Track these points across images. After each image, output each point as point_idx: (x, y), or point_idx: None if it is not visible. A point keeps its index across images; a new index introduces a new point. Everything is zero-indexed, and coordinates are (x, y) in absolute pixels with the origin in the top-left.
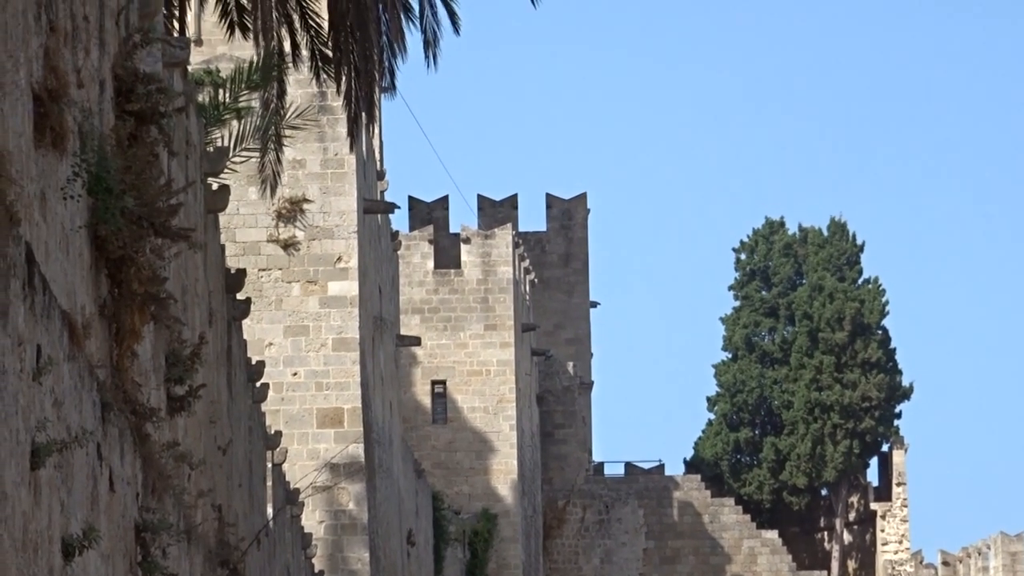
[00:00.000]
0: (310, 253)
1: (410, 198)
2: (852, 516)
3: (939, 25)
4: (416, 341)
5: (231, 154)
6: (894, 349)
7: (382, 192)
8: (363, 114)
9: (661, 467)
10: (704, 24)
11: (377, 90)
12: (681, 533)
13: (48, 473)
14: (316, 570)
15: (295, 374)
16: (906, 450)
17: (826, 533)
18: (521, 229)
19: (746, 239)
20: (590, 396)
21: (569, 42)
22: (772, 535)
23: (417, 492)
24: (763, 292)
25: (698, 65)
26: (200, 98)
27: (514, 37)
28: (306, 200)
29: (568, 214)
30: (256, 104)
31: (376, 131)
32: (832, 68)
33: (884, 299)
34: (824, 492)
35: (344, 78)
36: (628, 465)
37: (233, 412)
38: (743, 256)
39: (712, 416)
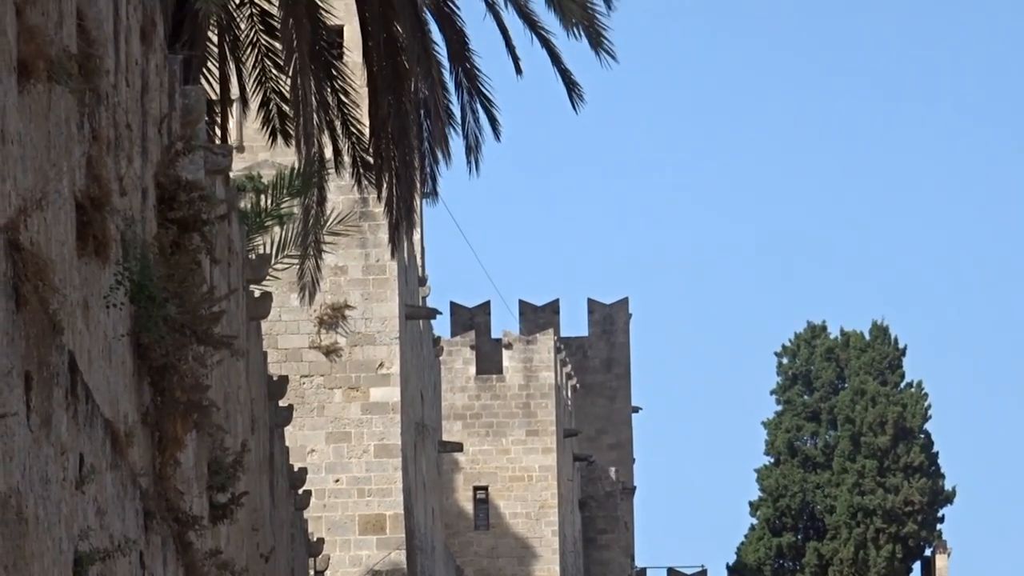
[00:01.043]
0: (352, 359)
1: (452, 304)
2: None
3: (976, 134)
4: (458, 447)
5: (273, 261)
6: (937, 453)
7: (424, 298)
8: (404, 220)
9: (704, 572)
10: (742, 131)
11: (418, 196)
12: None
13: None
14: None
15: (337, 481)
16: (949, 555)
17: None
18: (563, 334)
19: (788, 343)
20: (632, 501)
21: (610, 147)
22: None
23: None
24: (805, 396)
25: (737, 171)
26: (242, 205)
27: (555, 141)
28: (348, 306)
29: (610, 319)
30: (298, 210)
31: (418, 236)
32: (872, 174)
33: (927, 403)
34: None
35: (385, 184)
36: (671, 570)
37: (275, 519)
38: (785, 360)
39: (755, 521)
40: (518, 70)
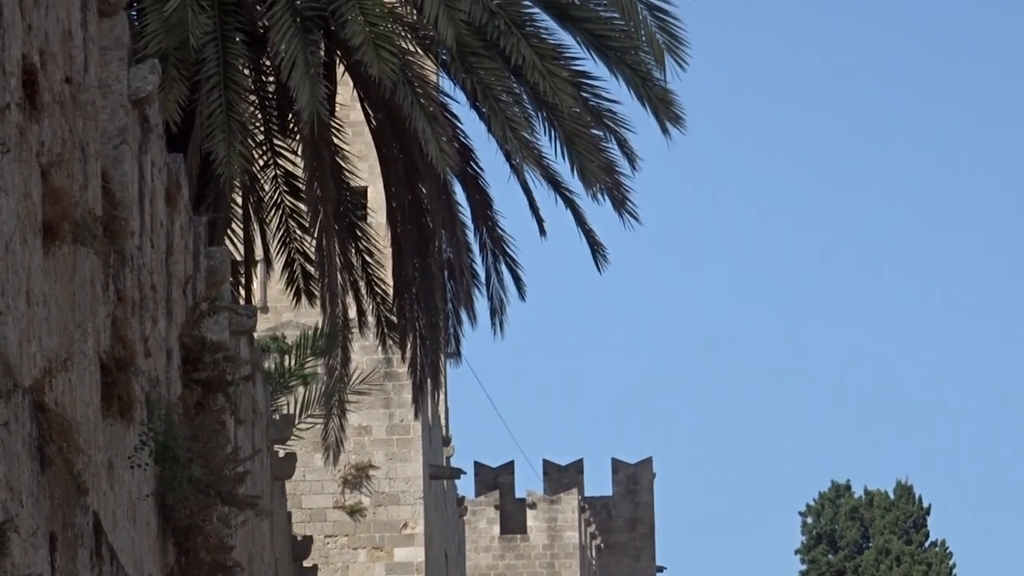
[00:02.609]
0: (376, 519)
1: (476, 463)
2: None
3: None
4: None
5: (297, 422)
6: None
7: (448, 458)
8: (428, 380)
9: None
10: (763, 292)
11: (442, 356)
12: None
13: None
14: None
15: None
16: None
17: None
18: (587, 494)
19: (812, 502)
20: None
21: (634, 304)
22: None
23: None
24: (829, 556)
25: (758, 329)
26: (266, 365)
27: (579, 298)
28: (372, 466)
29: (634, 478)
30: (322, 371)
31: (441, 397)
32: (892, 335)
33: (951, 562)
34: None
35: (409, 345)
36: None
37: None
38: (809, 520)
39: None
40: (542, 232)
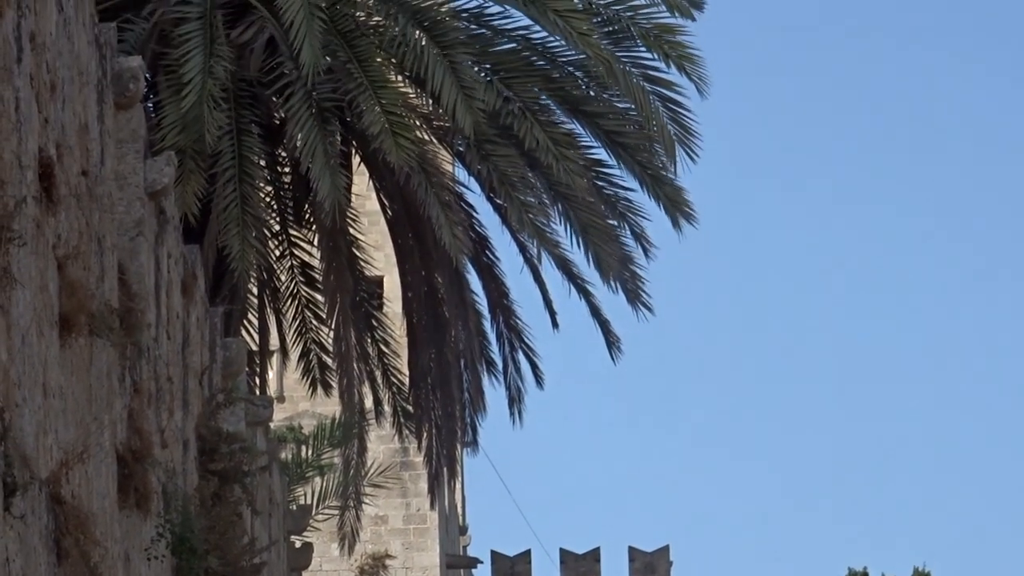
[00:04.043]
0: None
1: (493, 552)
2: None
3: None
4: None
5: (314, 512)
6: None
7: (465, 547)
8: (445, 470)
9: None
10: (778, 388)
11: (459, 446)
12: None
13: None
14: None
15: None
16: None
17: None
18: None
19: None
20: None
21: (649, 392)
22: None
23: None
24: None
25: (773, 420)
26: (283, 456)
27: (596, 386)
28: (389, 556)
29: (651, 567)
30: (338, 461)
31: (458, 486)
32: (909, 422)
33: None
34: None
35: (425, 435)
36: None
37: None
38: None
39: None
40: (555, 324)
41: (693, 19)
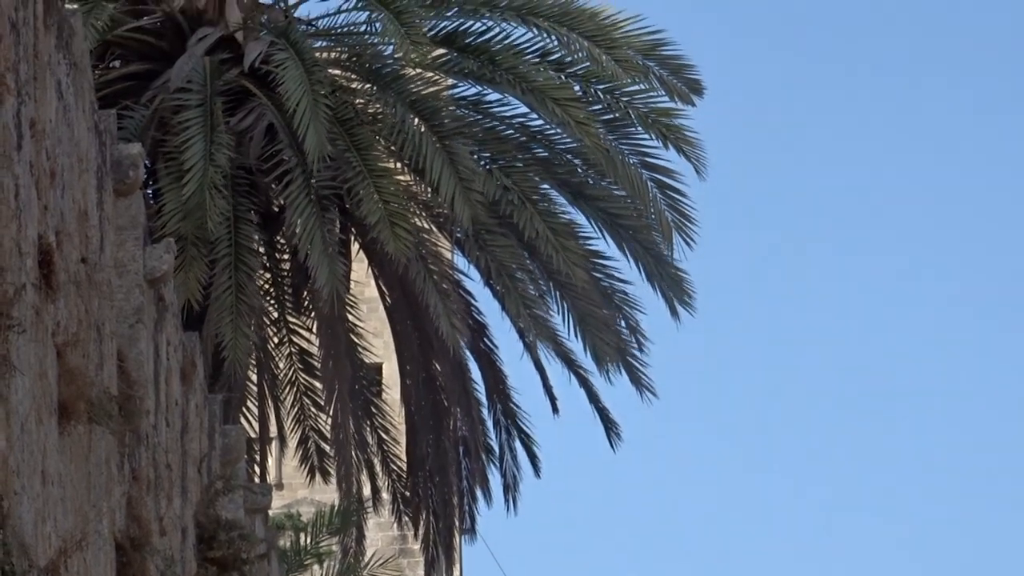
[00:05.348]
0: None
1: None
2: None
3: None
4: None
5: None
6: None
7: None
8: (442, 557)
9: None
10: (770, 456)
11: (457, 533)
12: None
13: None
14: None
15: None
16: None
17: None
18: None
19: None
20: None
21: (649, 479)
22: None
23: None
24: None
25: (776, 499)
26: (281, 543)
27: (594, 473)
28: None
29: None
30: (336, 548)
31: (456, 573)
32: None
33: None
34: None
35: (423, 522)
36: None
37: None
38: None
39: None
40: (555, 410)
41: (693, 104)
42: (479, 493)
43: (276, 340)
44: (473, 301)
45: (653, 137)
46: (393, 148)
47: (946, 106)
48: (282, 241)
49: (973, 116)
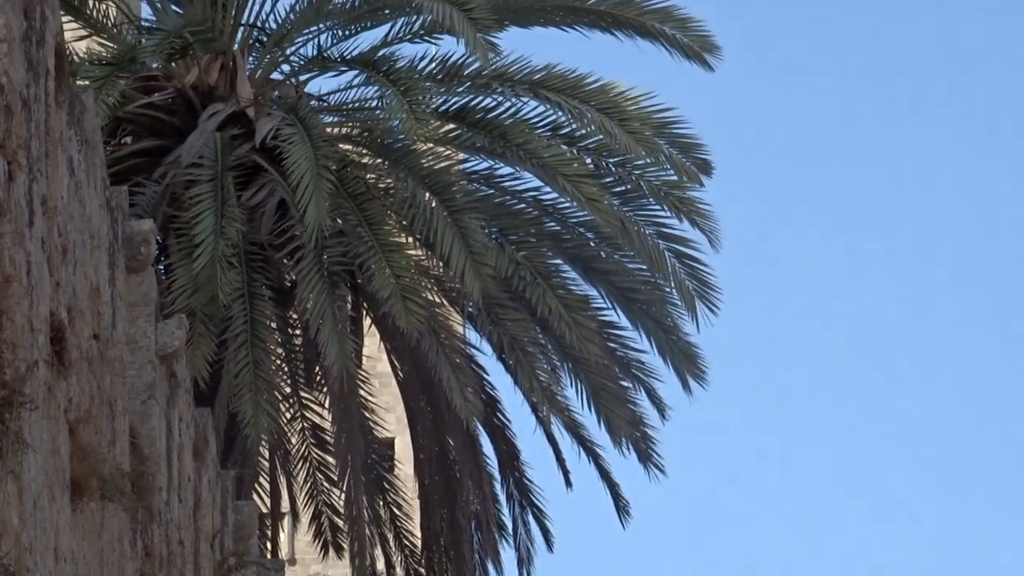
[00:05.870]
0: None
1: None
2: None
3: None
4: None
5: None
6: None
7: None
8: None
9: None
10: (780, 533)
11: None
12: None
13: None
14: None
15: None
16: None
17: None
18: None
19: None
20: None
21: (659, 554)
22: None
23: None
24: None
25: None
26: None
27: (606, 547)
28: None
29: None
30: None
31: None
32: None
33: None
34: None
35: None
36: None
37: None
38: None
39: None
40: (568, 483)
41: (702, 184)
42: (492, 568)
43: (289, 415)
44: (485, 375)
45: (666, 209)
46: (404, 223)
47: (949, 181)
48: (294, 316)
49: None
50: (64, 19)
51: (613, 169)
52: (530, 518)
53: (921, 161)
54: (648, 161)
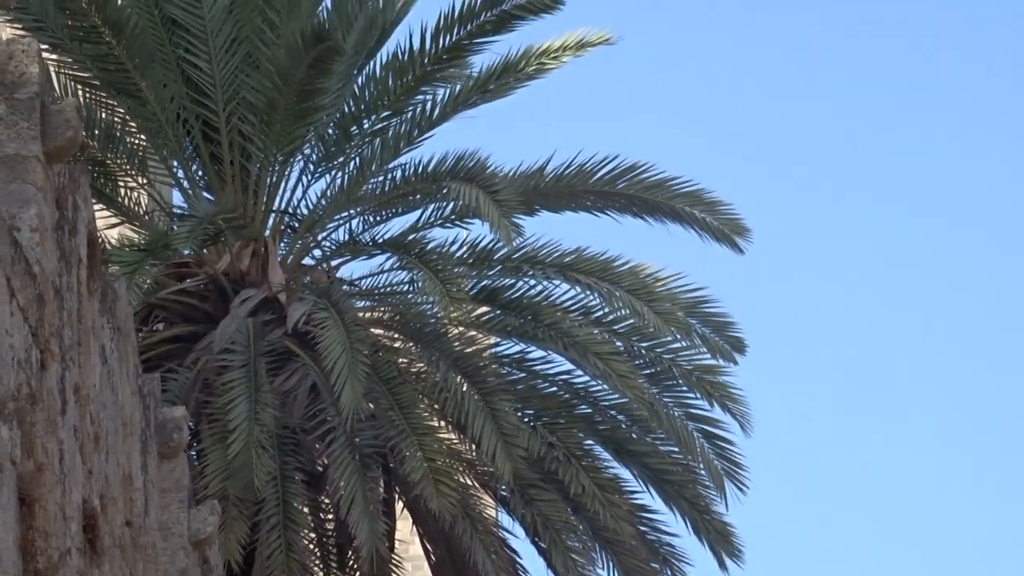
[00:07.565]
0: None
1: None
2: None
3: None
4: None
5: None
6: None
7: None
8: None
9: None
10: None
11: None
12: None
13: None
14: None
15: None
16: None
17: None
18: None
19: None
20: None
21: None
22: None
23: None
24: None
25: None
26: None
27: None
28: None
29: None
30: None
31: None
32: None
33: None
34: None
35: None
36: None
37: None
38: None
39: None
40: None
41: (736, 363)
42: None
43: None
44: (518, 559)
45: (697, 394)
46: (436, 407)
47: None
48: (326, 501)
49: None
50: (96, 207)
51: (644, 352)
52: None
53: (951, 317)
54: (680, 343)
